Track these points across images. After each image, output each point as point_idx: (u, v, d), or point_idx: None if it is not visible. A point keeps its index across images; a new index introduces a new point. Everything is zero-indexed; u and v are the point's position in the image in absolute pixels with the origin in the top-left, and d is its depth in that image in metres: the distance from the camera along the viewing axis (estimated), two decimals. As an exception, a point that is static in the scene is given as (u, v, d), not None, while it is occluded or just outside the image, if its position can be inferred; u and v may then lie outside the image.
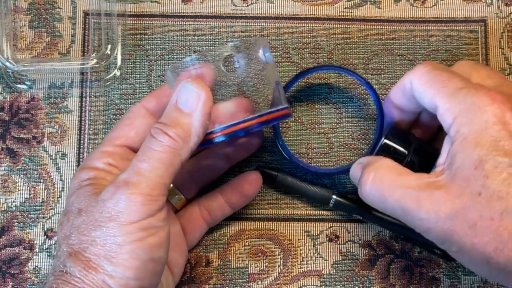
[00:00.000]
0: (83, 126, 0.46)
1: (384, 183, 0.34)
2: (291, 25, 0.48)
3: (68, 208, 0.35)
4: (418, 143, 0.39)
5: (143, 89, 0.47)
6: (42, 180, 0.45)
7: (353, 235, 0.45)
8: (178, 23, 0.48)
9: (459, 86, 0.33)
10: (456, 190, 0.31)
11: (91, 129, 0.46)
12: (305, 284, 0.44)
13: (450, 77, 0.34)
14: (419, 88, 0.35)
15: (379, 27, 0.48)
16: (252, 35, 0.47)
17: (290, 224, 0.45)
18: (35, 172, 0.45)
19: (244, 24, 0.48)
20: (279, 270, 0.45)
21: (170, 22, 0.47)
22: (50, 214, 0.45)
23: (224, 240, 0.45)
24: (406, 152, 0.38)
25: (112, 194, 0.33)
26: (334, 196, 0.44)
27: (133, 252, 0.32)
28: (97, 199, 0.34)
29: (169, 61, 0.47)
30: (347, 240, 0.45)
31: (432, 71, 0.35)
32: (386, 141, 0.39)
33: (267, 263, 0.45)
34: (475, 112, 0.31)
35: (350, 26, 0.48)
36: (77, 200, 0.35)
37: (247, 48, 0.37)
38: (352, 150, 0.46)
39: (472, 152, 0.31)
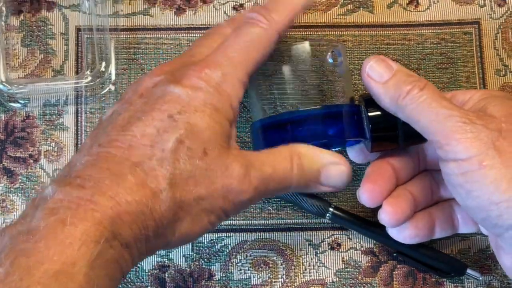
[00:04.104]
0: (79, 143, 0.46)
1: (437, 94, 0.36)
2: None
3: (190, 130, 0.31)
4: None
5: (139, 103, 0.46)
6: (40, 199, 0.45)
7: (355, 242, 0.45)
8: (171, 35, 0.47)
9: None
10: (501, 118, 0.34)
11: (87, 146, 0.46)
12: (309, 293, 0.44)
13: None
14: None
15: (373, 32, 0.47)
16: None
17: (291, 234, 0.45)
18: (33, 191, 0.45)
19: (237, 34, 0.47)
20: (282, 281, 0.44)
21: (163, 35, 0.47)
22: (50, 233, 0.44)
23: (225, 252, 0.45)
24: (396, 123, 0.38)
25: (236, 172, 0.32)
26: (330, 209, 0.44)
27: None
28: (221, 157, 0.31)
29: (164, 74, 0.47)
30: (349, 247, 0.45)
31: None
32: (370, 114, 0.39)
33: (269, 274, 0.44)
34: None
35: (344, 33, 0.47)
36: (209, 139, 0.31)
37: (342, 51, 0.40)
38: (351, 157, 0.46)
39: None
